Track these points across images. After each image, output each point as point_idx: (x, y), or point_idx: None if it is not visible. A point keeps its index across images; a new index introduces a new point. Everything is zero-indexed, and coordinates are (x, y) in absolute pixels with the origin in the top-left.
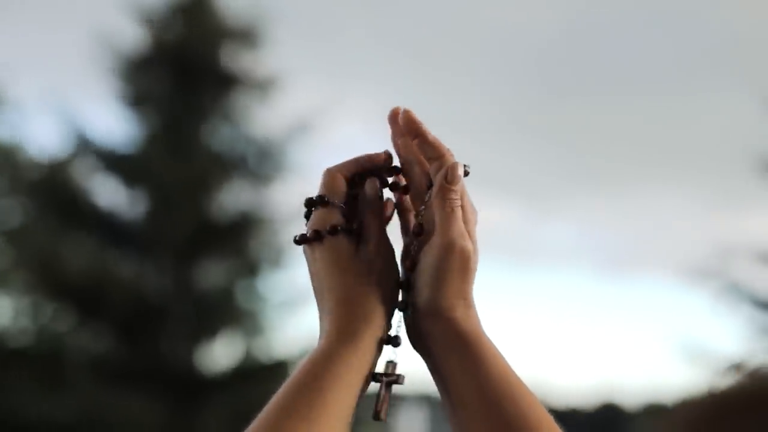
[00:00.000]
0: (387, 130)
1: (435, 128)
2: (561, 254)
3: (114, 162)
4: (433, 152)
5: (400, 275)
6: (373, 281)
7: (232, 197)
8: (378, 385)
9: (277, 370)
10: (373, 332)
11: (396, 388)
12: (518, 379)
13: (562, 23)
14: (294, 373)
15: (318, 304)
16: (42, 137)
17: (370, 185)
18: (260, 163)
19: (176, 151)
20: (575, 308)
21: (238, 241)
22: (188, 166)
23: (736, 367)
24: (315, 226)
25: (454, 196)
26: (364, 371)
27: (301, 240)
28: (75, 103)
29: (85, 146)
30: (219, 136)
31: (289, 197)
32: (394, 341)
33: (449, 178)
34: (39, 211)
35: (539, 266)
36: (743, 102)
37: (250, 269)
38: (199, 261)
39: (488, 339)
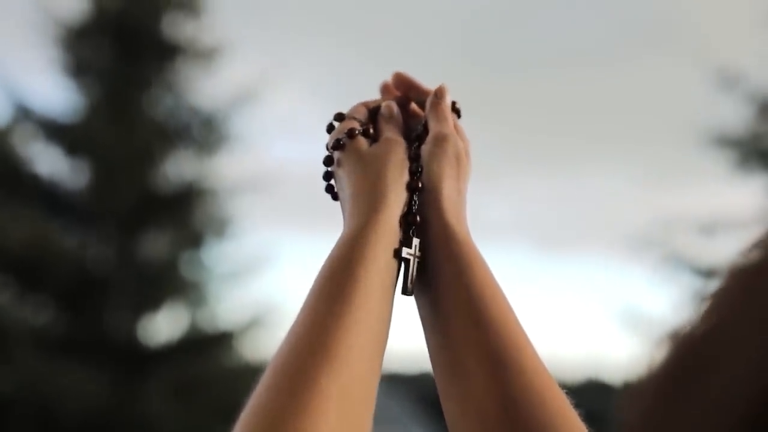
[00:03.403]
0: (330, 99)
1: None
2: (499, 231)
3: (55, 131)
4: (428, 95)
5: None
6: (387, 168)
7: (176, 168)
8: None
9: (221, 341)
10: (390, 210)
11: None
12: (497, 283)
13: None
14: (322, 264)
15: (343, 212)
16: None
17: (386, 104)
18: (204, 133)
19: (119, 121)
20: (515, 285)
21: (182, 211)
22: (131, 136)
23: (674, 334)
24: (335, 137)
25: (444, 108)
26: (387, 248)
27: (326, 159)
28: (14, 73)
29: (24, 115)
30: (162, 106)
31: (233, 168)
32: (413, 218)
33: (438, 94)
34: None
35: (479, 243)
36: (682, 75)
37: (194, 240)
38: (143, 232)
39: (471, 238)
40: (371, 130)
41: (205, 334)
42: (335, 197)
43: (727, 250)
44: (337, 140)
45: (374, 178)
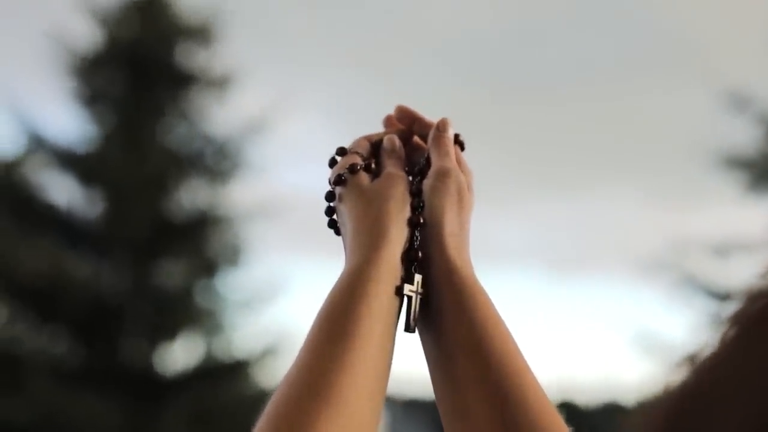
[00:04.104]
0: (341, 126)
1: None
2: (512, 256)
3: (69, 161)
4: (431, 128)
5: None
6: (388, 203)
7: (190, 196)
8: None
9: (237, 369)
10: (391, 247)
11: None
12: (501, 318)
13: (507, 24)
14: (323, 302)
15: (344, 248)
16: None
17: (388, 138)
18: (217, 161)
19: (132, 150)
20: (530, 309)
21: (196, 239)
22: (145, 165)
23: (691, 358)
24: (336, 172)
25: (447, 142)
26: (388, 285)
27: (328, 194)
28: (29, 102)
29: (39, 145)
30: (175, 134)
31: (246, 195)
32: (415, 254)
33: (440, 126)
34: None
35: (492, 268)
36: (692, 97)
37: (209, 268)
38: (157, 260)
39: (474, 273)
40: (373, 165)
41: (220, 362)
42: (338, 232)
43: (740, 271)
44: (339, 175)
45: (376, 213)
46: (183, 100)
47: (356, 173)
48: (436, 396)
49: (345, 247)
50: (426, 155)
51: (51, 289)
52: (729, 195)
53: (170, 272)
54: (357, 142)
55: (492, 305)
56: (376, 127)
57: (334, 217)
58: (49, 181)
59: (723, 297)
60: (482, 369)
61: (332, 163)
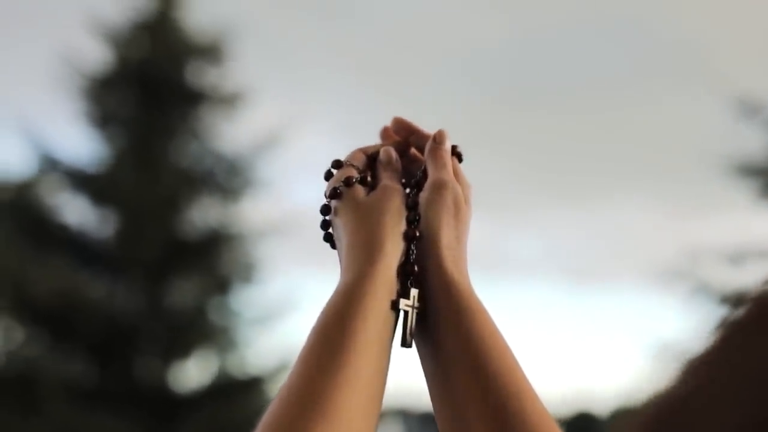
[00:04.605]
0: (351, 142)
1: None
2: (529, 266)
3: (82, 181)
4: (427, 139)
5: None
6: (383, 217)
7: (201, 214)
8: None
9: (251, 386)
10: (387, 261)
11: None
12: (499, 332)
13: (519, 35)
14: (318, 317)
15: (340, 262)
16: (7, 158)
17: (384, 150)
18: (229, 178)
19: (144, 169)
20: (546, 319)
21: (209, 257)
22: (156, 184)
23: (684, 363)
24: (332, 185)
25: (444, 154)
26: (383, 300)
27: (323, 208)
28: (40, 124)
29: (52, 166)
30: (186, 153)
31: (258, 212)
32: (411, 268)
33: (437, 139)
34: (7, 233)
35: (508, 279)
36: (703, 105)
37: (222, 286)
38: (170, 279)
39: (472, 287)
40: (369, 178)
41: (234, 379)
42: (334, 246)
43: (755, 278)
44: (334, 188)
45: (371, 227)
46: (193, 118)
47: (352, 186)
48: (434, 410)
49: (340, 261)
50: (423, 167)
51: (65, 310)
52: (742, 202)
53: (183, 290)
54: (353, 155)
55: (490, 319)
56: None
57: (330, 230)
58: (62, 201)
59: (738, 304)
60: (481, 384)
61: (328, 176)
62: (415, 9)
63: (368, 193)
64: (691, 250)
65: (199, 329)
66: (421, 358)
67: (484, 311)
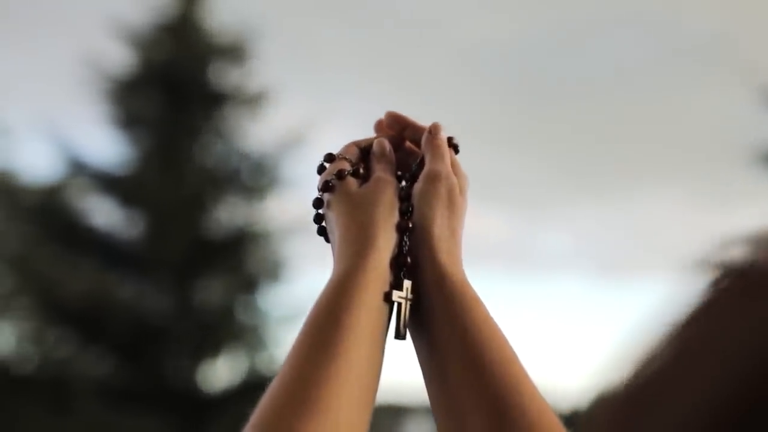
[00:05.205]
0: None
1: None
2: (558, 261)
3: (109, 184)
4: (422, 132)
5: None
6: (376, 208)
7: (228, 213)
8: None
9: None
10: (379, 253)
11: (403, 401)
12: (496, 323)
13: (543, 28)
14: (310, 310)
15: (333, 255)
16: (35, 162)
17: (377, 141)
18: (254, 177)
19: (170, 170)
20: (575, 313)
21: (236, 257)
22: (182, 184)
23: (646, 349)
24: (324, 178)
25: (440, 144)
26: (376, 292)
27: (315, 201)
28: (67, 127)
29: (79, 169)
30: (212, 153)
31: (284, 210)
32: (404, 260)
33: (432, 130)
34: (37, 237)
35: (537, 274)
36: (730, 96)
37: (249, 285)
38: (198, 279)
39: (467, 279)
40: (361, 170)
41: (264, 378)
42: (328, 240)
43: None
44: (326, 182)
45: (363, 219)
46: (218, 118)
47: (344, 179)
48: (430, 403)
49: (333, 255)
50: (419, 159)
51: (94, 311)
52: None
53: (211, 290)
54: (345, 148)
55: (485, 310)
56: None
57: (324, 224)
58: (89, 204)
59: (719, 279)
60: (477, 375)
61: (321, 169)
62: (438, 6)
63: (361, 185)
64: (718, 241)
65: (227, 329)
66: (416, 350)
67: (478, 302)
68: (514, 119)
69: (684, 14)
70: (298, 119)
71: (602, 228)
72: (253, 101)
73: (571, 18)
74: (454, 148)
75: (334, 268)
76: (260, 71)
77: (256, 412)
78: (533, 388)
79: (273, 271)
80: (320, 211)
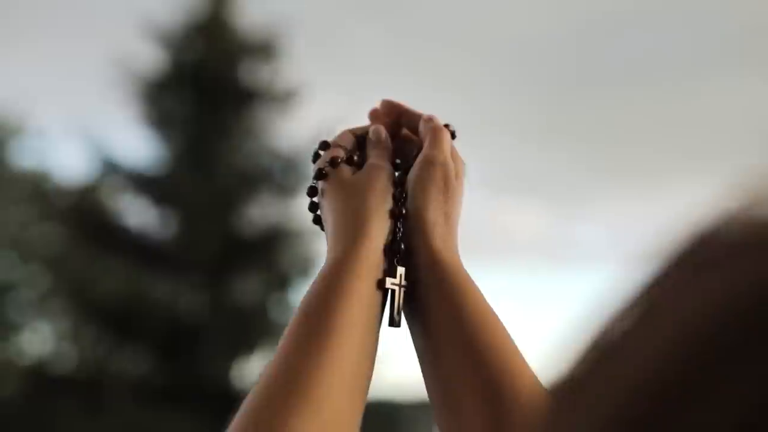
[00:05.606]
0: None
1: (458, 134)
2: (594, 254)
3: (142, 183)
4: (419, 119)
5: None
6: (369, 195)
7: (260, 211)
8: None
9: None
10: (372, 240)
11: (425, 398)
12: (490, 307)
13: (583, 19)
14: (302, 298)
15: (327, 242)
16: (69, 163)
17: (374, 128)
18: (285, 175)
19: (202, 169)
20: (611, 307)
21: (269, 254)
22: (215, 183)
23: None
24: (318, 166)
25: (437, 129)
26: (369, 279)
27: (310, 190)
28: (99, 128)
29: (112, 170)
30: (243, 152)
31: None
32: (397, 246)
33: (428, 117)
34: (72, 237)
35: (572, 267)
36: (766, 84)
37: (282, 282)
38: (231, 277)
39: (461, 264)
40: (356, 157)
41: None
42: (324, 228)
43: None
44: (320, 170)
45: (356, 206)
46: (249, 117)
47: (337, 166)
48: (426, 389)
49: (327, 243)
50: (418, 146)
51: (129, 311)
52: None
53: (244, 288)
54: (340, 136)
55: (481, 295)
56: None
57: (319, 212)
58: (123, 204)
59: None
60: (471, 359)
61: (315, 158)
62: (468, 2)
63: (355, 173)
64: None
65: (261, 326)
66: (413, 338)
67: (473, 287)
68: (547, 114)
69: (728, 6)
70: (329, 116)
71: (638, 220)
72: (284, 99)
73: (612, 11)
74: (452, 134)
75: (327, 256)
76: (290, 69)
77: (249, 397)
78: (529, 369)
79: (305, 269)
80: (314, 199)
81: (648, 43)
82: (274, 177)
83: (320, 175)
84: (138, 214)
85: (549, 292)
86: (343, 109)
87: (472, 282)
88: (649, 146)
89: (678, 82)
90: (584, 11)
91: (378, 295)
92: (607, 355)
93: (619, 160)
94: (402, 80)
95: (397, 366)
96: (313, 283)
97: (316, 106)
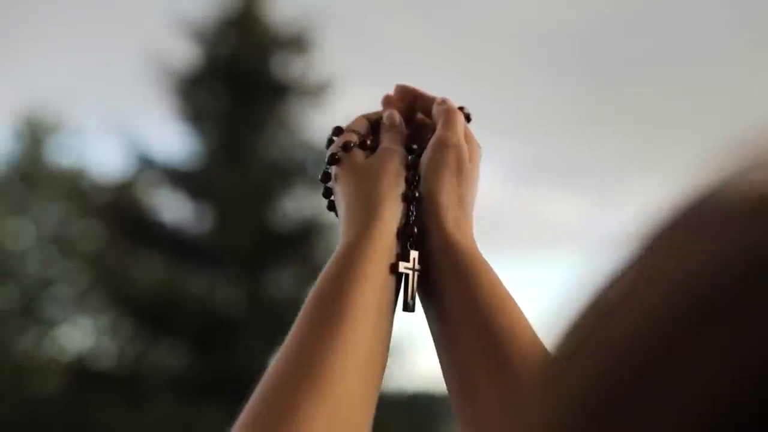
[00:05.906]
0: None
1: (490, 126)
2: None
3: (177, 179)
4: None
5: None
6: (381, 179)
7: (295, 204)
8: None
9: None
10: (384, 223)
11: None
12: (506, 289)
13: (622, 8)
14: (315, 283)
15: (340, 226)
16: (105, 160)
17: (388, 113)
18: (319, 168)
19: (237, 163)
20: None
21: (303, 247)
22: (249, 177)
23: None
24: (331, 151)
25: (451, 111)
26: (382, 263)
27: (323, 175)
28: (135, 124)
29: (148, 165)
30: (277, 145)
31: None
32: (410, 230)
33: (442, 100)
34: (109, 233)
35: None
36: None
37: (317, 275)
38: (267, 271)
39: (476, 247)
40: (369, 142)
41: None
42: (338, 214)
43: None
44: (333, 155)
45: (368, 190)
46: (282, 110)
47: (350, 151)
48: (442, 373)
49: (341, 228)
50: (433, 129)
51: (166, 305)
52: None
53: (280, 281)
54: (354, 121)
55: (496, 278)
56: (478, 132)
57: (333, 198)
58: (159, 199)
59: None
60: (486, 342)
61: (329, 143)
62: None
63: (368, 157)
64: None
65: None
66: (428, 323)
67: (488, 270)
68: (584, 105)
69: None
70: (362, 109)
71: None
72: (317, 92)
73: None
74: (466, 117)
75: (340, 240)
76: (323, 62)
77: (261, 383)
78: (546, 352)
79: None
80: (328, 185)
81: (686, 32)
82: (307, 170)
83: (333, 160)
84: (174, 209)
85: (583, 282)
86: (376, 101)
87: (488, 265)
88: (687, 137)
89: (717, 70)
90: (617, 2)
91: (391, 279)
92: (600, 321)
93: (652, 149)
94: (434, 71)
95: (434, 357)
96: (327, 267)
97: (349, 98)
